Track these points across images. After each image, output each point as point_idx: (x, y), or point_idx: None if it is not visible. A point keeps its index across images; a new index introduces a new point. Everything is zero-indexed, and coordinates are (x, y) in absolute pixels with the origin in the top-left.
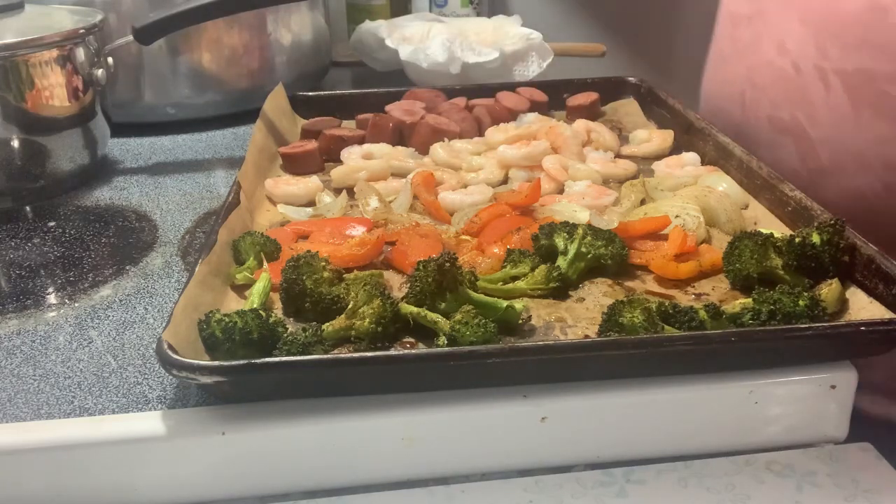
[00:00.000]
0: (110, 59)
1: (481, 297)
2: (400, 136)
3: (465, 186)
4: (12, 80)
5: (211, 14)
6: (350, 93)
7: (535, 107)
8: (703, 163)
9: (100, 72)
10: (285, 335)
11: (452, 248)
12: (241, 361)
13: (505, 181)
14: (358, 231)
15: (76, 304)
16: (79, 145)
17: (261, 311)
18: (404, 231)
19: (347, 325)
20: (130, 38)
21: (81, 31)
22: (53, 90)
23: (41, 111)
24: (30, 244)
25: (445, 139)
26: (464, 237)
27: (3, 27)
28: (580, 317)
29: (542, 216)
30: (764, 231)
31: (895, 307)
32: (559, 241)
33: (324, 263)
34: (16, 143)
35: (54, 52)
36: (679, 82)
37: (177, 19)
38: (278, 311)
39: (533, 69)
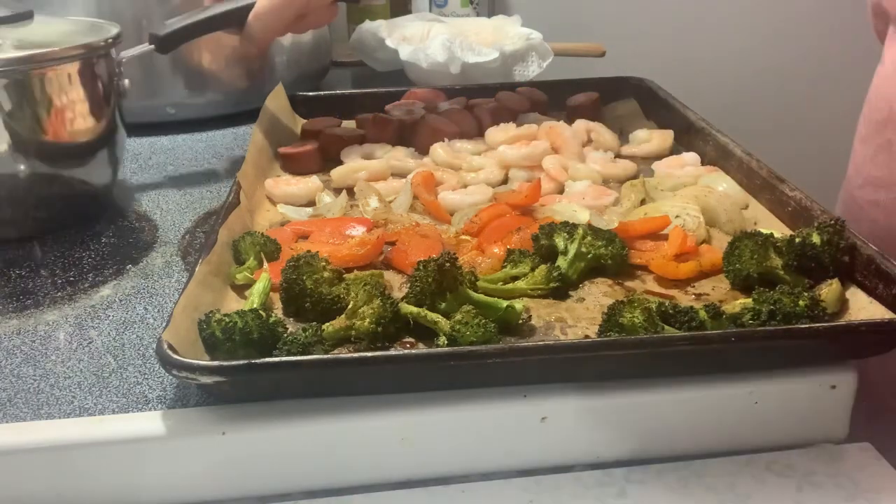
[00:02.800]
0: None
1: (481, 297)
2: (400, 136)
3: (465, 186)
4: (28, 95)
5: (231, 22)
6: (350, 93)
7: (535, 107)
8: (703, 163)
9: (126, 81)
10: (285, 335)
11: (452, 248)
12: (241, 361)
13: (505, 181)
14: (358, 231)
15: (76, 304)
16: (106, 173)
17: (261, 311)
18: (404, 231)
19: (347, 325)
20: (149, 46)
21: (103, 42)
22: (75, 109)
23: (62, 136)
24: (30, 244)
25: (445, 139)
26: (464, 237)
27: (11, 36)
28: (580, 317)
29: (542, 216)
30: (764, 231)
31: (895, 307)
32: (559, 241)
33: (324, 263)
34: (38, 173)
35: (77, 65)
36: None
37: (197, 27)
38: (278, 311)
39: (533, 69)
